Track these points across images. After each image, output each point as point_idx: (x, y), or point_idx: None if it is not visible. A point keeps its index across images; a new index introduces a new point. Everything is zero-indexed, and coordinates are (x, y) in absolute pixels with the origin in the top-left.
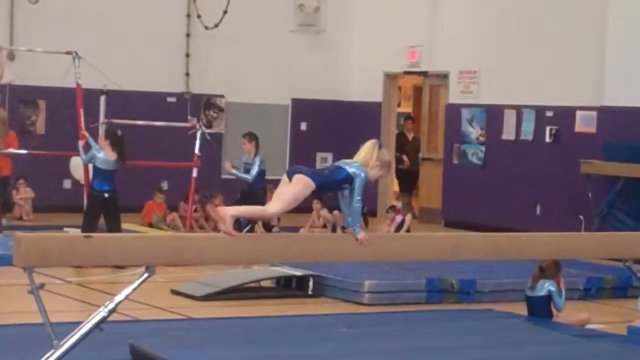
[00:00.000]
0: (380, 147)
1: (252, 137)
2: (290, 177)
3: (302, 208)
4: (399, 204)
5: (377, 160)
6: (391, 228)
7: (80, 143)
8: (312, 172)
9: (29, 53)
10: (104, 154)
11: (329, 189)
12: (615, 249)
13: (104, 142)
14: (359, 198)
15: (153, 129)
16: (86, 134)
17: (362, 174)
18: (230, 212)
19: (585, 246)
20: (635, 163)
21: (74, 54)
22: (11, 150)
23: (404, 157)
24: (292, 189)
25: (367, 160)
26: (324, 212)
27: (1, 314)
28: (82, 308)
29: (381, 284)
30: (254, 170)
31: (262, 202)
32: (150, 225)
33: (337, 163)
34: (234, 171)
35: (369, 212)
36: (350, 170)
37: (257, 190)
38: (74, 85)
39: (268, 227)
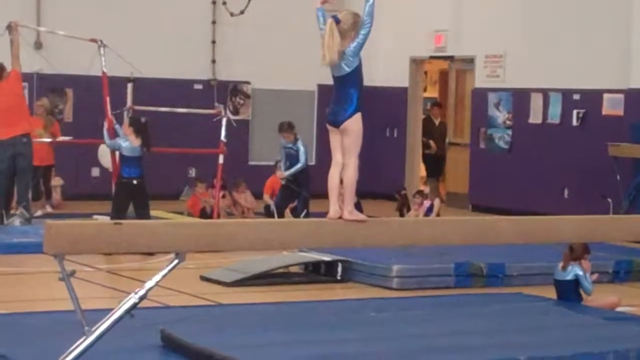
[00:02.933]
0: (337, 21)
1: (289, 127)
2: (336, 125)
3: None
4: (426, 189)
5: (349, 32)
6: (419, 213)
7: (105, 125)
8: (351, 106)
9: (56, 42)
10: (129, 142)
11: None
12: None
13: (127, 129)
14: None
15: (179, 117)
16: (113, 120)
17: (354, 48)
18: (347, 217)
19: (613, 229)
20: None
21: (99, 42)
22: (41, 139)
23: (431, 142)
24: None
25: (339, 45)
26: None
27: (32, 301)
28: (112, 295)
29: (410, 268)
30: (302, 155)
31: (308, 181)
32: (203, 215)
33: (335, 74)
34: (287, 174)
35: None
36: (351, 64)
37: (306, 171)
38: (100, 74)
39: (296, 212)
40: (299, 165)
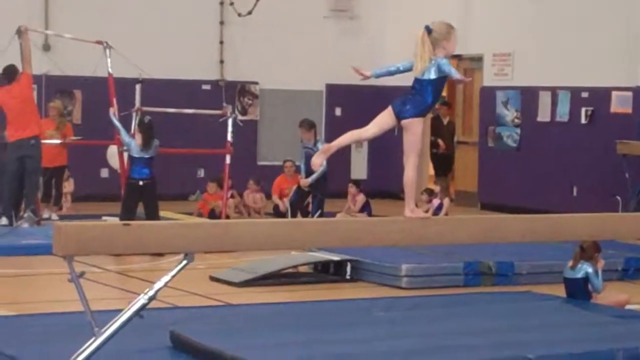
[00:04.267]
0: (429, 31)
1: (309, 125)
2: (400, 117)
3: (338, 193)
4: (436, 188)
5: (440, 42)
6: (429, 211)
7: (112, 110)
8: (419, 108)
9: (64, 44)
10: (136, 143)
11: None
12: None
13: (138, 130)
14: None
15: (187, 117)
16: (115, 109)
17: (442, 61)
18: (408, 214)
19: (622, 227)
20: None
21: (105, 44)
22: (51, 140)
23: (440, 142)
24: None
25: (431, 53)
26: (360, 197)
27: (42, 303)
28: (122, 296)
29: (419, 267)
30: None
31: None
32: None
33: (418, 77)
34: (309, 181)
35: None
36: (434, 73)
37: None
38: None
39: (306, 212)
40: (321, 169)
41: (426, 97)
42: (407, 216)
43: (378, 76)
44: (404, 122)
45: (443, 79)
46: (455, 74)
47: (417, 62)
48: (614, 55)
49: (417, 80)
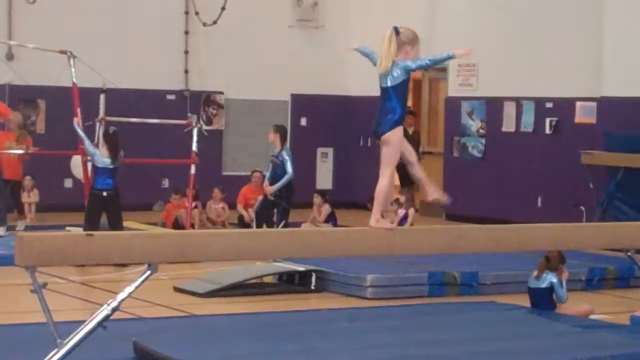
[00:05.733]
0: (397, 32)
1: (277, 128)
2: (377, 137)
3: (304, 203)
4: (402, 198)
5: (405, 45)
6: (394, 222)
7: (76, 120)
8: (393, 117)
9: (28, 53)
10: (100, 153)
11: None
12: (617, 239)
13: (102, 141)
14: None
15: (152, 127)
16: (79, 120)
17: (407, 65)
18: (372, 224)
19: (587, 237)
20: (635, 153)
21: (69, 53)
22: (11, 151)
23: None
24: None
25: (394, 54)
26: (325, 207)
27: (4, 314)
28: (85, 307)
29: (384, 278)
30: (288, 164)
31: (290, 192)
32: (176, 226)
33: (382, 84)
34: (274, 188)
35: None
36: (398, 78)
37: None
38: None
39: (272, 222)
40: (285, 178)
41: (393, 105)
42: (372, 226)
43: (361, 52)
44: (382, 138)
45: (405, 82)
46: (419, 61)
47: (381, 59)
48: (578, 66)
49: (383, 90)
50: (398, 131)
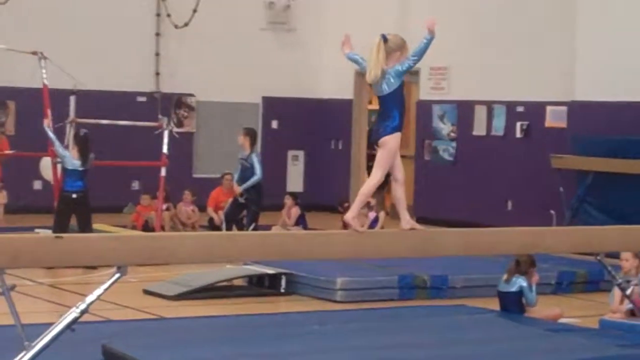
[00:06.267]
0: (385, 40)
1: (247, 131)
2: (376, 142)
3: (274, 205)
4: (373, 201)
5: (394, 52)
6: (365, 225)
7: (46, 122)
8: (392, 123)
9: None
10: (70, 155)
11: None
12: (586, 243)
13: (73, 143)
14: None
15: (122, 129)
16: (50, 121)
17: (397, 69)
18: (405, 226)
19: (556, 241)
20: (605, 157)
21: (40, 54)
22: None
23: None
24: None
25: (383, 62)
26: (295, 210)
27: None
28: (54, 309)
29: (354, 281)
30: (257, 167)
31: (259, 195)
32: (146, 228)
33: (377, 93)
34: (241, 189)
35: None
36: (392, 85)
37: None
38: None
39: (241, 225)
40: (254, 179)
41: (391, 112)
42: (346, 220)
43: (349, 57)
44: (380, 141)
45: (400, 88)
46: (406, 62)
47: (369, 68)
48: (548, 70)
49: (380, 98)
50: (396, 137)
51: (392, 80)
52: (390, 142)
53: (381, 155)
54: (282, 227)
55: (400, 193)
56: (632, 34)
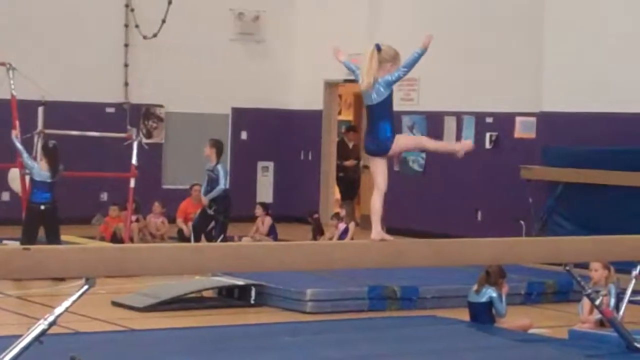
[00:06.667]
0: (378, 49)
1: (213, 143)
2: (381, 154)
3: (244, 216)
4: (342, 212)
5: (386, 62)
6: (334, 236)
7: (14, 133)
8: (389, 137)
9: None
10: (38, 166)
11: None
12: (555, 253)
13: (41, 154)
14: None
15: (91, 140)
16: (18, 132)
17: (386, 79)
18: (376, 237)
19: (526, 251)
20: (574, 168)
21: (8, 65)
22: None
23: (346, 163)
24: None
25: (375, 71)
26: (267, 220)
27: None
28: (22, 321)
29: (323, 292)
30: (222, 179)
31: (227, 205)
32: (115, 240)
33: (367, 102)
34: (206, 200)
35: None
36: (382, 94)
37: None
38: (10, 97)
39: (210, 236)
40: (218, 189)
41: (382, 121)
42: (374, 238)
43: (346, 66)
44: (390, 154)
45: (389, 97)
46: (396, 72)
47: (362, 76)
48: (517, 81)
49: (369, 108)
50: (400, 138)
51: (381, 89)
52: (400, 145)
53: (375, 170)
54: (252, 238)
55: (378, 203)
56: (598, 46)
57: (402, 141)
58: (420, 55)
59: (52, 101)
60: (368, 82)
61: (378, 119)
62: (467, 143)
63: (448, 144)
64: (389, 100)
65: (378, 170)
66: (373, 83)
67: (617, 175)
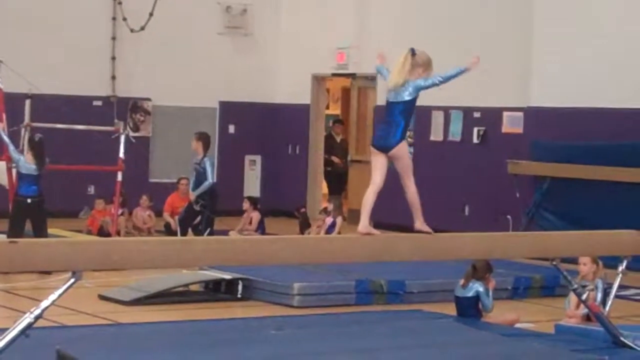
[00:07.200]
0: (413, 54)
1: (199, 136)
2: (383, 150)
3: (231, 210)
4: (330, 206)
5: (418, 67)
6: (322, 230)
7: (0, 126)
8: (397, 134)
9: None
10: (24, 159)
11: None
12: (542, 248)
13: (27, 147)
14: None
15: (78, 133)
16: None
17: (418, 83)
18: (362, 230)
19: (513, 246)
20: (561, 163)
21: None
22: None
23: (334, 159)
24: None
25: (407, 73)
26: (256, 214)
27: None
28: (8, 314)
29: (310, 286)
30: (209, 172)
31: (213, 200)
32: (102, 233)
33: (390, 99)
34: (194, 195)
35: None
36: (407, 96)
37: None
38: None
39: (197, 230)
40: (205, 184)
41: (398, 120)
42: (417, 229)
43: (378, 70)
44: (391, 153)
45: (413, 101)
46: (430, 79)
47: (393, 75)
48: (505, 76)
49: (389, 104)
50: (404, 145)
51: (409, 90)
52: (402, 152)
53: (402, 166)
54: (238, 232)
55: (371, 198)
56: (586, 42)
57: (402, 152)
58: (460, 73)
59: (39, 94)
60: (397, 82)
61: (394, 118)
62: (370, 231)
63: (368, 214)
64: (411, 104)
65: (377, 165)
66: (402, 83)
67: (604, 170)
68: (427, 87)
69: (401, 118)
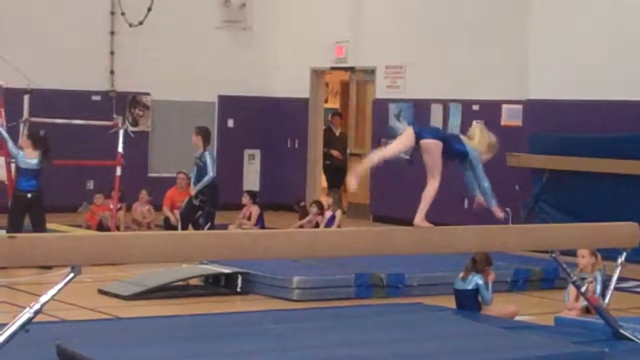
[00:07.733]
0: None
1: (199, 130)
2: (418, 135)
3: (230, 204)
4: (328, 200)
5: (488, 147)
6: (314, 222)
7: None
8: (436, 135)
9: None
10: (24, 154)
11: (448, 151)
12: (541, 240)
13: (25, 141)
14: (486, 179)
15: (76, 128)
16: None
17: (476, 154)
18: (418, 222)
19: (512, 238)
20: (560, 155)
21: None
22: None
23: (333, 152)
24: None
25: (479, 145)
26: (255, 208)
27: None
28: (8, 309)
29: (310, 279)
30: (209, 166)
31: (214, 194)
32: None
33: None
34: (195, 189)
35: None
36: (468, 148)
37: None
38: None
39: (198, 225)
40: (206, 179)
41: (442, 132)
42: (416, 224)
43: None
44: (423, 142)
45: (474, 160)
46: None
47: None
48: (504, 68)
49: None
50: (439, 145)
51: (472, 157)
52: (432, 148)
53: (431, 161)
54: (238, 226)
55: (431, 192)
56: (584, 33)
57: (434, 147)
58: (490, 189)
59: (37, 89)
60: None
61: (457, 141)
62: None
63: (423, 207)
64: (472, 158)
65: (435, 160)
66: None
67: (604, 162)
68: (473, 161)
69: (447, 135)
